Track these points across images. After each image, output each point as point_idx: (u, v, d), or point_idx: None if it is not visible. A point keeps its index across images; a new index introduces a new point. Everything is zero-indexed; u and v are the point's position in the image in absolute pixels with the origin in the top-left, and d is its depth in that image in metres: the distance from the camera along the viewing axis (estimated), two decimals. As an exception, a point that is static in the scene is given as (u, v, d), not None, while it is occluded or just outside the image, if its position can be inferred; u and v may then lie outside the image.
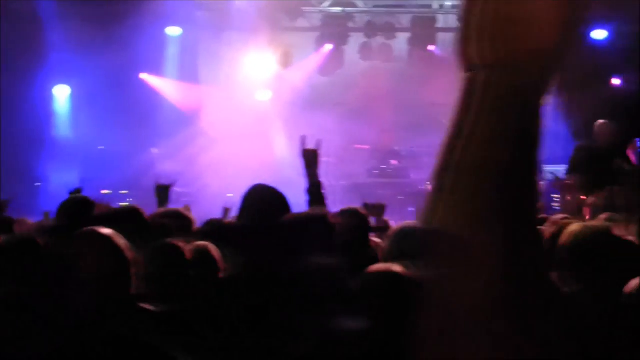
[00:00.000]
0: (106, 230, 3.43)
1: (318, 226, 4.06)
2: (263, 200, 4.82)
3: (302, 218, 4.18)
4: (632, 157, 12.08)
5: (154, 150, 15.75)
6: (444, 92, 17.44)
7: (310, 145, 5.93)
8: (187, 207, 8.65)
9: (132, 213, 4.51)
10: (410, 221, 5.57)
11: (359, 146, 16.95)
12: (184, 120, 17.18)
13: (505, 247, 1.03)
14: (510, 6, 1.09)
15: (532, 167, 1.08)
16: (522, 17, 1.08)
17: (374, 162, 17.05)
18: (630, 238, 5.14)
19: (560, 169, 15.64)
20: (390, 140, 16.99)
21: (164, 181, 7.60)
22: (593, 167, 11.53)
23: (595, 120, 13.26)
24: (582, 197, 10.14)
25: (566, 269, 3.61)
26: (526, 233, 1.05)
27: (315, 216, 4.27)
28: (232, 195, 14.45)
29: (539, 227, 1.10)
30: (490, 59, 1.08)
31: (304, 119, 15.72)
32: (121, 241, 3.39)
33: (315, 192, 5.66)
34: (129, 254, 3.39)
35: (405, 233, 4.56)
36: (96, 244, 3.37)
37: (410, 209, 14.70)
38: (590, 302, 3.43)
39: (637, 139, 12.45)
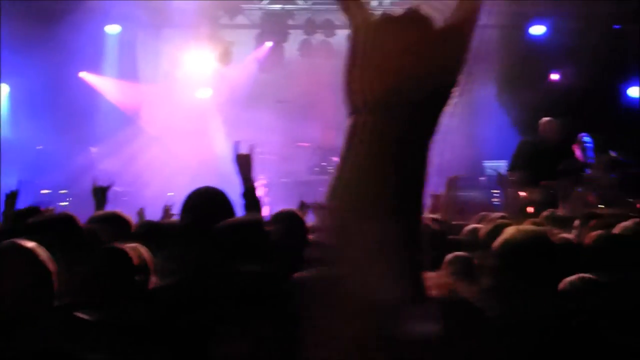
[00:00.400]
0: (28, 243, 3.41)
1: (251, 233, 4.06)
2: (205, 203, 4.80)
3: (235, 225, 4.17)
4: (578, 153, 12.23)
5: (93, 150, 15.56)
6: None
7: (244, 150, 5.93)
8: (142, 210, 8.60)
9: (64, 221, 4.46)
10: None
11: (301, 144, 16.92)
12: (124, 118, 17.02)
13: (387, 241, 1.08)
14: (387, 50, 1.12)
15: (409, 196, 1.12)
16: (399, 62, 1.11)
17: (315, 159, 17.02)
18: (569, 236, 5.20)
19: (502, 165, 15.80)
20: (331, 137, 16.97)
21: (101, 182, 7.53)
22: (536, 163, 11.64)
23: (536, 115, 13.43)
24: (521, 193, 10.22)
25: (498, 276, 3.65)
26: (405, 236, 1.09)
27: (248, 222, 4.27)
28: (172, 194, 14.39)
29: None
30: (370, 101, 1.11)
31: (244, 116, 15.73)
32: (43, 253, 3.38)
33: (250, 196, 5.69)
34: (51, 265, 3.37)
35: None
36: (16, 257, 3.36)
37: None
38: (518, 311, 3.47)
39: (583, 134, 12.61)
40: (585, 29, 15.96)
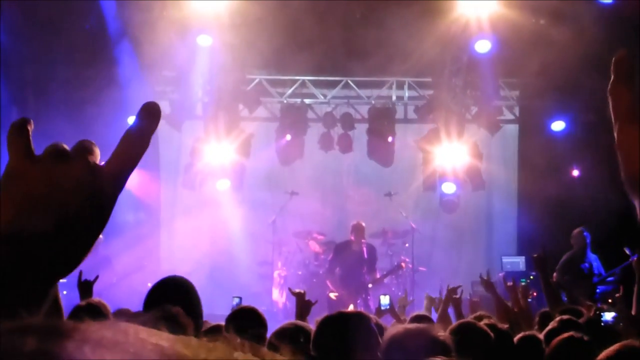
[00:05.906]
0: None
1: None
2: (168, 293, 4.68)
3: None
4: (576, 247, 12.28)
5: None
6: (402, 183, 17.33)
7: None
8: None
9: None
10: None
11: (317, 235, 16.74)
12: (142, 207, 17.00)
13: None
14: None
15: None
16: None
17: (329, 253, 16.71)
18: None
19: (517, 260, 15.71)
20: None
21: (88, 276, 7.19)
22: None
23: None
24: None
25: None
26: None
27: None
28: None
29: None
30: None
31: (261, 207, 15.83)
32: None
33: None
34: None
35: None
36: None
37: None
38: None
39: (582, 229, 12.69)
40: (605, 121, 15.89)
